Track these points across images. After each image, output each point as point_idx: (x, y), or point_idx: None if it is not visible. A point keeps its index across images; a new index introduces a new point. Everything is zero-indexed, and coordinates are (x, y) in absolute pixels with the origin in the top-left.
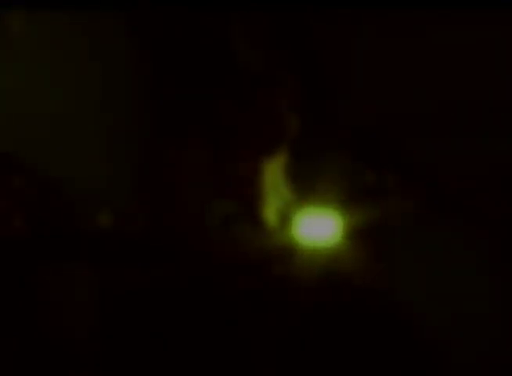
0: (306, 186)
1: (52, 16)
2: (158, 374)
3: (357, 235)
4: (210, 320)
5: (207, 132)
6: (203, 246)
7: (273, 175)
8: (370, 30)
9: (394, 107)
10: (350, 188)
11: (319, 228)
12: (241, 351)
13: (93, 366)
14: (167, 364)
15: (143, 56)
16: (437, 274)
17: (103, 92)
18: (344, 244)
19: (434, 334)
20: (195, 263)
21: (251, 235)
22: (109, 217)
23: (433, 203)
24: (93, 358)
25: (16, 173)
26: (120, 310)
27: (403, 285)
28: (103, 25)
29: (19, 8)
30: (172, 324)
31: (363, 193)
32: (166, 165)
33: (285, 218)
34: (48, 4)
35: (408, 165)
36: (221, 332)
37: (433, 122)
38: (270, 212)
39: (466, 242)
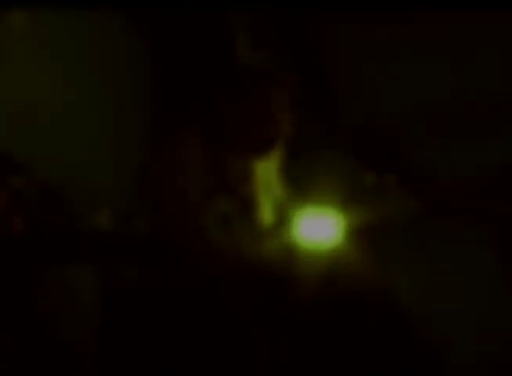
0: (305, 186)
1: (53, 16)
2: (158, 374)
3: (356, 235)
4: (209, 320)
5: (205, 132)
6: (201, 245)
7: (271, 174)
8: (370, 30)
9: (394, 107)
10: (349, 188)
11: (317, 228)
12: (240, 350)
13: (93, 366)
14: (168, 364)
15: (143, 55)
16: (437, 274)
17: (103, 92)
18: (343, 243)
19: (433, 334)
20: (194, 262)
21: (248, 234)
22: (109, 217)
23: (433, 203)
24: (93, 358)
25: (16, 173)
26: (120, 310)
27: (403, 285)
28: (104, 25)
29: (20, 8)
30: (172, 324)
31: (363, 193)
32: (165, 165)
33: (283, 218)
34: (48, 4)
35: (408, 165)
36: (221, 332)
37: (433, 122)
38: (268, 211)
39: (466, 242)
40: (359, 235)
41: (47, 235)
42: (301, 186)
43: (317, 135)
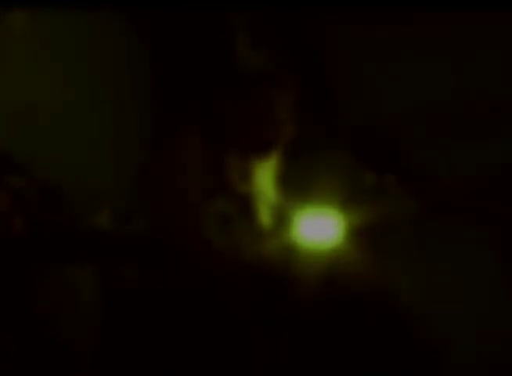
0: (305, 186)
1: (53, 16)
2: (158, 374)
3: (356, 235)
4: (209, 320)
5: (205, 132)
6: (201, 245)
7: (268, 175)
8: (370, 30)
9: (394, 107)
10: (349, 188)
11: (317, 228)
12: (240, 350)
13: (93, 366)
14: (168, 364)
15: (143, 55)
16: (437, 274)
17: (103, 92)
18: (343, 243)
19: (433, 334)
20: (193, 262)
21: (248, 234)
22: (109, 217)
23: (433, 203)
24: (93, 358)
25: (16, 173)
26: (120, 310)
27: (403, 285)
28: (104, 25)
29: (20, 8)
30: (172, 324)
31: (363, 193)
32: (165, 165)
33: (282, 218)
34: (48, 4)
35: (408, 165)
36: (220, 332)
37: (433, 122)
38: (267, 212)
39: (466, 242)
40: (359, 235)
41: (47, 235)
42: (301, 186)
43: (317, 135)
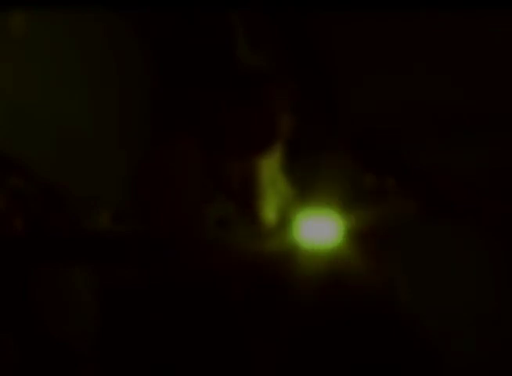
0: (305, 187)
1: (53, 16)
2: (158, 373)
3: (357, 236)
4: (208, 320)
5: (203, 132)
6: (200, 245)
7: (271, 174)
8: (370, 31)
9: (394, 108)
10: (350, 189)
11: (318, 229)
12: (240, 351)
13: (93, 366)
14: (168, 364)
15: (142, 56)
16: (437, 275)
17: (103, 93)
18: (343, 245)
19: (433, 334)
20: (193, 263)
21: (249, 235)
22: (109, 217)
23: (433, 204)
24: (93, 358)
25: (16, 173)
26: (120, 310)
27: (403, 286)
28: (104, 25)
29: (19, 8)
30: (172, 324)
31: (363, 195)
32: (164, 166)
33: (283, 219)
34: (48, 4)
35: (407, 166)
36: (220, 332)
37: (433, 123)
38: (268, 213)
39: (466, 243)
40: (360, 236)
41: (47, 235)
42: (301, 187)
43: (317, 137)
